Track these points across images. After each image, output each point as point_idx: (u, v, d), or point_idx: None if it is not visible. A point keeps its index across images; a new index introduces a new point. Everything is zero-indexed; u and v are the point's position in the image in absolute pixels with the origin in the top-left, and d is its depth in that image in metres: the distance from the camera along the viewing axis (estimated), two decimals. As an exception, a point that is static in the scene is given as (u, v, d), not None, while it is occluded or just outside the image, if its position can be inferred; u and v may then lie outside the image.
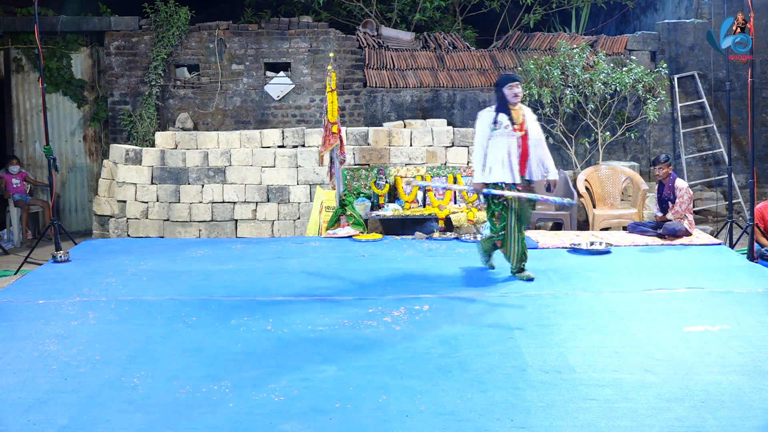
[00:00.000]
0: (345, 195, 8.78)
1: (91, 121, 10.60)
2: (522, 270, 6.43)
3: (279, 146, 9.62)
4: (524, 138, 6.27)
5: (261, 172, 9.45)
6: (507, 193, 6.25)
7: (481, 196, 6.52)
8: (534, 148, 6.31)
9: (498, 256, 6.67)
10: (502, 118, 6.26)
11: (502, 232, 6.34)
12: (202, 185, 9.44)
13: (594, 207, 9.12)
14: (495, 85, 6.57)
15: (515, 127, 6.26)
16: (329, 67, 8.80)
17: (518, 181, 6.28)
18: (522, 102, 6.55)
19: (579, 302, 5.72)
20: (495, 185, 6.29)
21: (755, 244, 7.40)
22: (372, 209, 8.92)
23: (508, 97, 6.29)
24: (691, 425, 3.64)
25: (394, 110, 10.21)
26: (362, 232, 8.50)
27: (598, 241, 7.65)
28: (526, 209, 6.42)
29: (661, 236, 7.94)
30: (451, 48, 10.65)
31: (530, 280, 6.34)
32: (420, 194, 9.15)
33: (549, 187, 6.57)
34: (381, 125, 10.03)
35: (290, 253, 7.62)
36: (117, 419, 3.80)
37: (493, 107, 6.38)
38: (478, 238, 6.66)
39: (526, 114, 6.36)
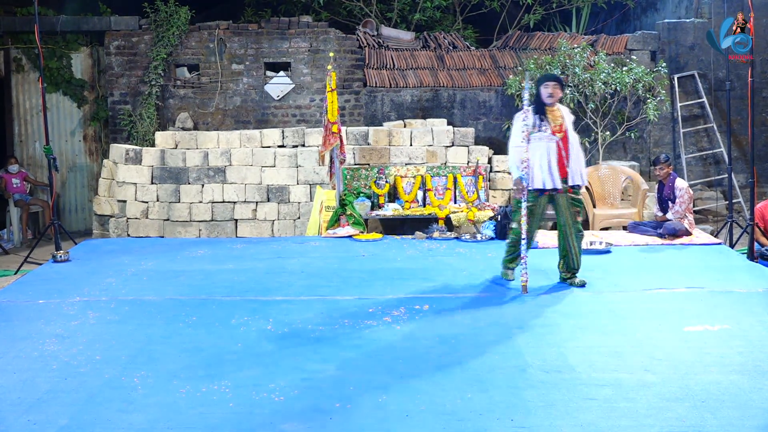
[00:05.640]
0: (345, 195, 8.78)
1: (91, 121, 10.60)
2: (574, 275, 6.25)
3: (279, 146, 9.63)
4: (564, 140, 6.09)
5: (261, 172, 9.45)
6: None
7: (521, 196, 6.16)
8: (573, 150, 6.12)
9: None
10: (536, 120, 6.10)
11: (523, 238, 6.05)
12: (202, 185, 9.43)
13: (594, 207, 9.12)
14: (536, 83, 6.38)
15: (553, 129, 6.10)
16: (329, 67, 8.79)
17: (559, 186, 6.08)
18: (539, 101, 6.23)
19: (579, 302, 5.71)
20: (536, 191, 6.09)
21: (755, 243, 7.39)
22: (372, 209, 8.93)
23: (542, 97, 6.15)
24: (691, 425, 3.64)
25: (394, 110, 10.21)
26: (362, 232, 8.50)
27: (598, 241, 7.66)
28: (569, 208, 6.19)
29: (661, 236, 7.94)
30: (451, 48, 10.65)
31: (582, 285, 6.15)
32: (420, 194, 9.15)
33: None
34: (381, 125, 10.03)
35: (290, 253, 7.62)
36: (117, 419, 3.80)
37: (530, 108, 6.12)
38: (507, 240, 6.40)
39: (565, 116, 6.18)
